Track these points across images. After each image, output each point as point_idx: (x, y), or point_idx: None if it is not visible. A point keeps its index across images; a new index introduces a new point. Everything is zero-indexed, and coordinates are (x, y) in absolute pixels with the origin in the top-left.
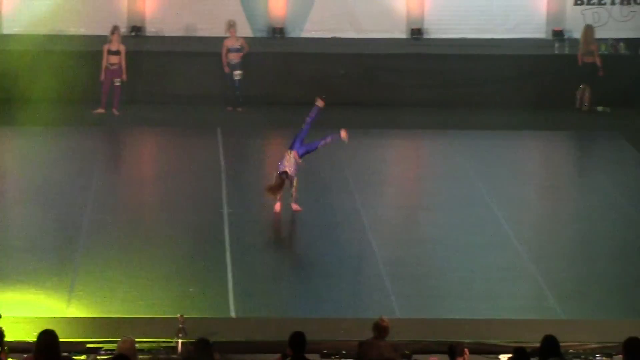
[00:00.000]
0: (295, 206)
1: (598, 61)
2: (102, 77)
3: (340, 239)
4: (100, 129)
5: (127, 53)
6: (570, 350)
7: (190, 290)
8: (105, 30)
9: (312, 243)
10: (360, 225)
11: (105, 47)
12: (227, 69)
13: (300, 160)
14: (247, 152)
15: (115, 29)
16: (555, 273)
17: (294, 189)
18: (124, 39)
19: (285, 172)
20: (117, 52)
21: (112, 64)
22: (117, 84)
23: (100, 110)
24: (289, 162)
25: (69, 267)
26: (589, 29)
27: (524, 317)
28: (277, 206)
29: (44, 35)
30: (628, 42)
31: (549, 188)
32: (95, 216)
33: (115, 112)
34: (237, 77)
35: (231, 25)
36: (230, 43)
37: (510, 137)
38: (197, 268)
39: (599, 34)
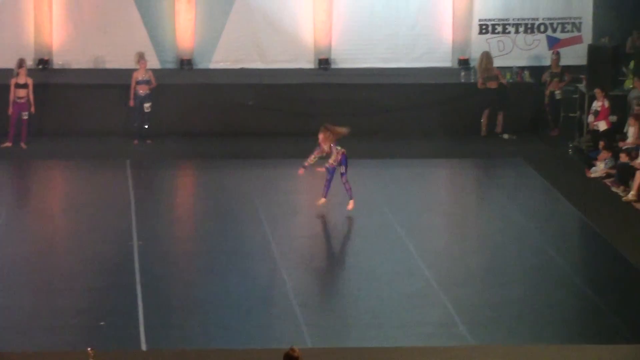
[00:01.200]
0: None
1: (505, 83)
2: (10, 110)
3: (250, 269)
4: (8, 163)
5: (35, 86)
6: None
7: (101, 323)
8: (11, 64)
9: (223, 274)
10: (271, 255)
11: (13, 81)
12: (132, 103)
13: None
14: (156, 184)
15: (21, 62)
16: (464, 300)
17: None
18: (31, 72)
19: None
20: (24, 86)
21: (19, 98)
22: (25, 117)
23: (8, 144)
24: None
25: None
26: (489, 55)
27: (434, 344)
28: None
29: None
30: (532, 70)
31: (456, 215)
32: (4, 250)
33: (23, 145)
34: (146, 110)
35: (141, 57)
36: (139, 75)
37: (419, 165)
38: (108, 301)
39: (504, 62)
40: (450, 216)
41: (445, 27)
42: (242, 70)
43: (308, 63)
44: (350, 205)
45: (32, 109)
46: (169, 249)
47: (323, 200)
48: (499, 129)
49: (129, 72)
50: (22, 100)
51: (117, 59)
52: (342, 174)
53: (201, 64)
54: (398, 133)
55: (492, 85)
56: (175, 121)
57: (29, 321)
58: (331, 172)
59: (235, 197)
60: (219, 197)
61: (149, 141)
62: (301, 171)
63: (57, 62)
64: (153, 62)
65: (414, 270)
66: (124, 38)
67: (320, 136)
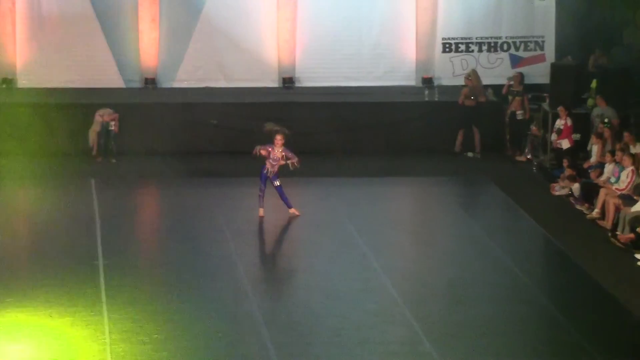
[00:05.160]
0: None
1: (484, 101)
2: None
3: (215, 287)
4: None
5: None
6: None
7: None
8: None
9: (188, 292)
10: (236, 273)
11: None
12: (97, 128)
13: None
14: (121, 202)
15: None
16: (429, 317)
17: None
18: None
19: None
20: None
21: None
22: None
23: None
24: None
25: None
26: (474, 73)
27: None
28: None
29: None
30: (495, 88)
31: (421, 233)
32: None
33: None
34: (112, 128)
35: None
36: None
37: (383, 184)
38: (73, 320)
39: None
40: (415, 234)
41: (408, 46)
42: (206, 89)
43: (272, 82)
44: (294, 211)
45: None
46: (133, 268)
47: (261, 210)
48: (477, 148)
49: (93, 92)
50: None
51: (81, 78)
52: (277, 187)
53: (165, 83)
54: (362, 151)
55: (470, 103)
56: (139, 140)
57: None
58: (264, 181)
59: (200, 215)
60: (184, 215)
61: (113, 160)
62: (257, 151)
63: (21, 81)
64: (117, 81)
65: (378, 288)
66: (88, 57)
67: (280, 139)
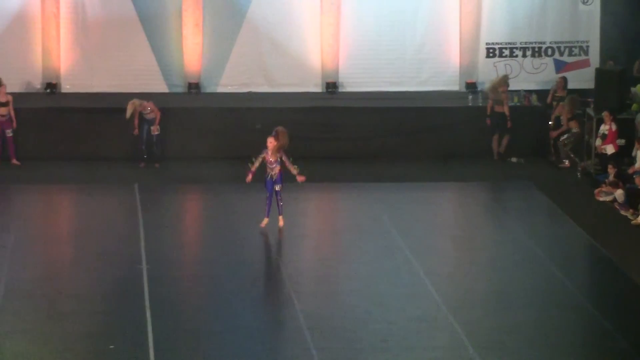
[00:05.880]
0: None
1: (506, 110)
2: None
3: (259, 293)
4: (16, 187)
5: (42, 110)
6: None
7: (111, 347)
8: (20, 88)
9: (232, 297)
10: (280, 279)
11: None
12: (136, 132)
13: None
14: (164, 207)
15: None
16: (473, 323)
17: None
18: (39, 96)
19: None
20: (5, 104)
21: (2, 115)
22: (10, 134)
23: None
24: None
25: None
26: (500, 79)
27: None
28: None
29: None
30: (539, 93)
31: (464, 238)
32: (12, 274)
33: (15, 162)
34: (154, 132)
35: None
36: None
37: (426, 189)
38: (117, 325)
39: (511, 85)
40: (459, 239)
41: (452, 51)
42: (249, 93)
43: (315, 87)
44: (281, 221)
45: (14, 124)
46: (177, 273)
47: (266, 220)
48: (502, 150)
49: (136, 96)
50: (4, 119)
51: (125, 82)
52: (277, 192)
53: (209, 88)
54: (406, 156)
55: (499, 109)
56: (183, 145)
57: (38, 346)
58: (269, 187)
59: (244, 220)
60: (228, 220)
61: (157, 165)
62: (250, 178)
63: (65, 86)
64: (160, 86)
65: (422, 293)
66: (132, 62)
67: (272, 142)
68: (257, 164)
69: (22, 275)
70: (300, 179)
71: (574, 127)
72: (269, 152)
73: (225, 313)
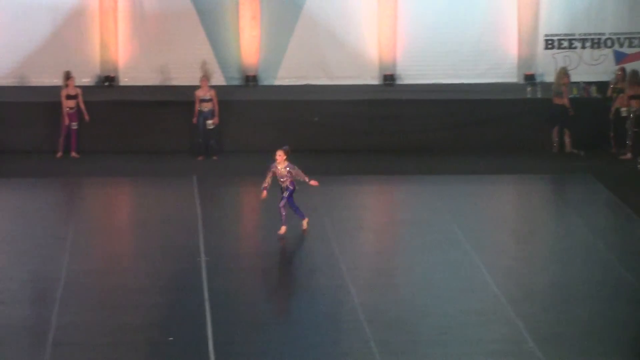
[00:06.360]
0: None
1: (567, 102)
2: (66, 121)
3: (318, 285)
4: (77, 180)
5: (101, 103)
6: None
7: (170, 339)
8: (78, 81)
9: (291, 290)
10: (338, 271)
11: (63, 93)
12: (195, 120)
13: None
14: (223, 200)
15: (68, 74)
16: (533, 316)
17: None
18: (97, 89)
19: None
20: (74, 97)
21: (70, 108)
22: (75, 127)
23: (59, 154)
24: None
25: (47, 318)
26: (560, 71)
27: None
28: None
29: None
30: (599, 85)
31: (524, 231)
32: (72, 266)
33: (75, 155)
34: (210, 127)
35: (203, 76)
36: (201, 93)
37: (485, 181)
38: (175, 317)
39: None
40: (518, 232)
41: (510, 43)
42: (306, 86)
43: (373, 79)
44: (283, 230)
45: (86, 117)
46: (236, 265)
47: (283, 228)
48: (567, 147)
49: (193, 90)
50: (72, 111)
51: (183, 75)
52: (282, 198)
53: (266, 81)
54: (465, 149)
55: (559, 101)
56: (240, 137)
57: (96, 337)
58: (291, 201)
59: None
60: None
61: (214, 157)
62: (264, 194)
63: (123, 79)
64: (218, 79)
65: (481, 286)
66: (189, 55)
67: (279, 155)
68: (268, 179)
69: (81, 268)
70: (313, 183)
71: (635, 106)
72: (277, 167)
73: (284, 305)
